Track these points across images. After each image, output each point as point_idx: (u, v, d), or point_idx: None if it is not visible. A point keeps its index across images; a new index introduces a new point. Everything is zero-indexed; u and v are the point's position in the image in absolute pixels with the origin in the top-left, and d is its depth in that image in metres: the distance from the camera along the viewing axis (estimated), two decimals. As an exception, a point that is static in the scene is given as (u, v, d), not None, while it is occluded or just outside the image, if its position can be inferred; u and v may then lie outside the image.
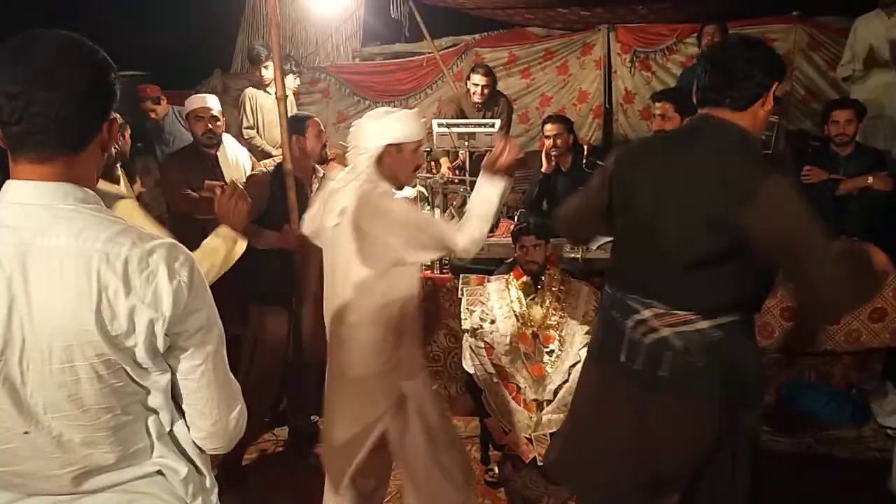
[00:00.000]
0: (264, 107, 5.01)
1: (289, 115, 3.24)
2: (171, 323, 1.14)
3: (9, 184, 1.13)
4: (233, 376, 1.30)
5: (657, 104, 3.93)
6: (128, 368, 1.15)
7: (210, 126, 3.69)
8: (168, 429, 1.24)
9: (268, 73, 4.94)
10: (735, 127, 1.77)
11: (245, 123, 4.97)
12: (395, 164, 2.27)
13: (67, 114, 1.10)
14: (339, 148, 5.59)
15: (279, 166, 3.21)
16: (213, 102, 3.75)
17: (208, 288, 1.22)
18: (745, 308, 1.79)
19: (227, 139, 3.97)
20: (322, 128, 3.28)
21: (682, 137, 1.97)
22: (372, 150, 2.23)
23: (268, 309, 3.26)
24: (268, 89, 5.03)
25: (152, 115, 5.05)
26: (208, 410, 1.25)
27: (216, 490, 1.34)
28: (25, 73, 1.07)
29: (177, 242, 1.18)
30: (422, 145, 2.35)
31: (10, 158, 1.13)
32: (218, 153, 3.79)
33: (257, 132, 4.99)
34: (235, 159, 3.90)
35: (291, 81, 5.12)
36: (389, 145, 2.23)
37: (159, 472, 1.24)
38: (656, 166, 1.82)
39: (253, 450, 3.46)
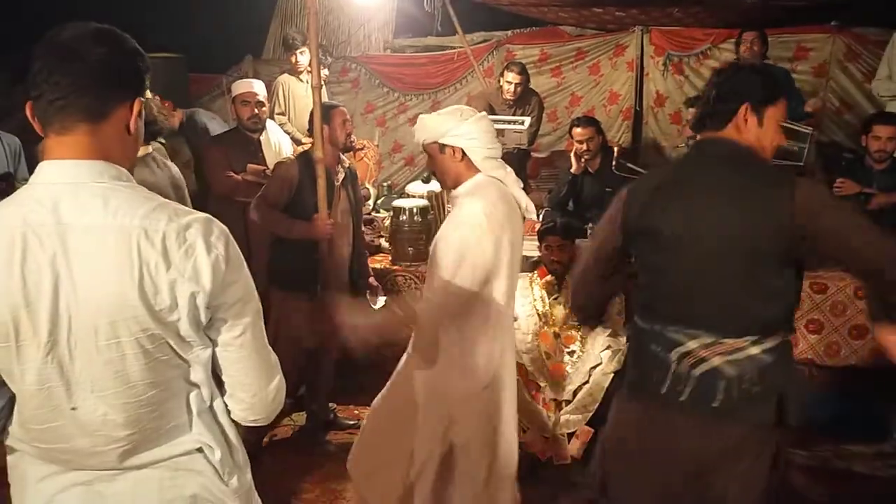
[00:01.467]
0: (296, 94, 5.04)
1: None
2: (212, 295, 1.16)
3: (42, 165, 1.16)
4: (271, 349, 1.32)
5: (690, 109, 3.90)
6: (172, 342, 1.17)
7: (255, 111, 3.75)
8: (208, 404, 1.27)
9: (302, 59, 4.96)
10: (726, 140, 1.81)
11: (277, 109, 5.00)
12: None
13: (85, 83, 1.13)
14: (368, 141, 5.64)
15: (305, 154, 3.23)
16: (259, 88, 3.83)
17: (244, 261, 1.24)
18: (788, 329, 1.79)
19: (271, 125, 4.04)
20: (348, 117, 3.29)
21: (689, 163, 1.98)
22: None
23: (290, 295, 3.29)
24: (301, 77, 5.05)
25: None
26: (249, 381, 1.27)
27: (249, 467, 1.35)
28: (49, 50, 1.13)
29: (211, 217, 1.20)
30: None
31: (44, 138, 1.17)
32: (261, 138, 3.84)
33: (288, 119, 5.03)
34: (278, 145, 3.95)
35: (322, 71, 5.13)
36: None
37: (199, 450, 1.26)
38: (675, 195, 1.81)
39: (269, 433, 3.51)
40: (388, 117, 6.64)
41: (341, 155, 3.36)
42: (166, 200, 1.19)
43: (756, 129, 1.79)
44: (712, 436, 1.76)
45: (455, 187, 2.23)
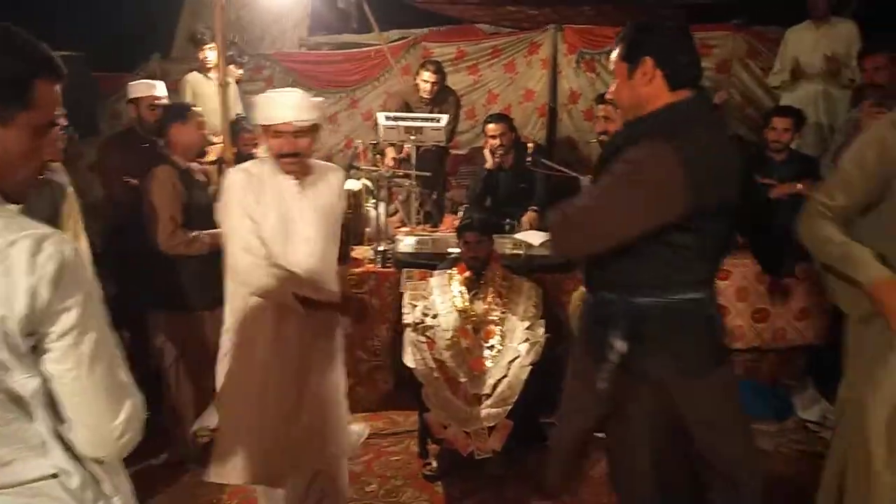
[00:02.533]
0: (204, 93, 4.88)
1: (230, 103, 3.18)
2: (29, 322, 1.07)
3: None
4: (123, 380, 1.21)
5: (600, 106, 4.01)
6: None
7: (154, 115, 3.60)
8: (56, 432, 1.18)
9: (211, 55, 4.82)
10: None
11: (185, 110, 4.83)
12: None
13: None
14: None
15: (163, 158, 3.07)
16: (160, 90, 3.67)
17: (91, 286, 1.14)
18: None
19: None
20: (204, 119, 3.17)
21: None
22: None
23: (178, 316, 3.11)
24: (209, 75, 4.90)
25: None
26: (86, 417, 1.17)
27: (120, 495, 1.27)
28: None
29: (55, 235, 1.10)
30: (282, 132, 2.23)
31: None
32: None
33: (198, 119, 4.87)
34: None
35: (233, 69, 5.00)
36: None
37: (55, 475, 1.18)
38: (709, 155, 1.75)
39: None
40: (305, 116, 6.52)
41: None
42: (13, 214, 1.11)
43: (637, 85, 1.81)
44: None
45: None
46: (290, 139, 2.22)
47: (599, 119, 3.88)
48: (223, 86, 3.07)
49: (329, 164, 2.52)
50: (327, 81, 6.50)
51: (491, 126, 4.30)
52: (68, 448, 1.19)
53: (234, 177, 2.32)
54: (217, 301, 2.50)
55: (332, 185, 2.41)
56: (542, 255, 3.74)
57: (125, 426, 1.20)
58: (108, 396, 1.18)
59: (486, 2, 5.91)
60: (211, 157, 3.88)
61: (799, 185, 3.83)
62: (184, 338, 3.14)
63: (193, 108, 3.15)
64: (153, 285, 3.10)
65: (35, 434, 1.16)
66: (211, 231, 2.89)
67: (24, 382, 1.12)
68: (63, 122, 3.22)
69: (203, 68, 4.92)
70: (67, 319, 1.10)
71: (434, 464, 3.22)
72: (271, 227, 2.26)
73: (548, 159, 4.37)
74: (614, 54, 1.83)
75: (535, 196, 4.35)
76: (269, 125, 2.23)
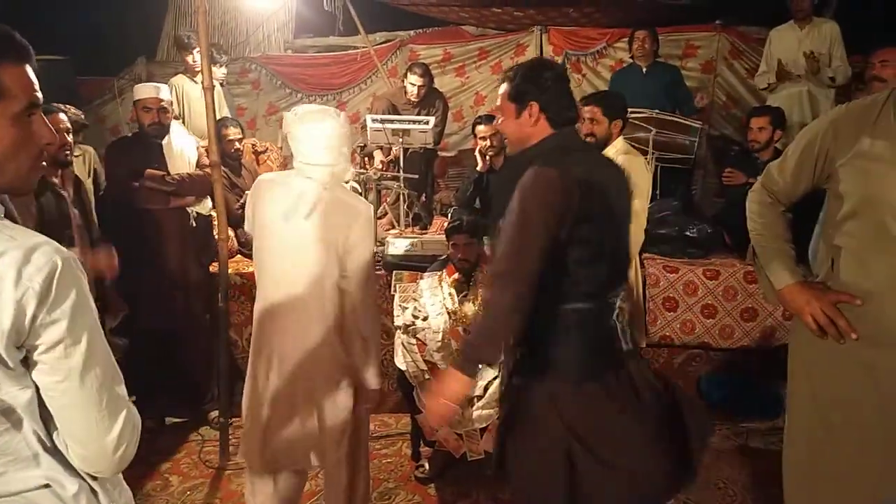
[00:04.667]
0: (191, 96, 4.86)
1: (217, 106, 3.16)
2: (18, 335, 1.04)
3: None
4: (118, 392, 1.18)
5: (586, 108, 4.01)
6: None
7: (158, 118, 3.58)
8: (49, 444, 1.15)
9: (196, 60, 4.79)
10: None
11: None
12: None
13: None
14: (270, 143, 5.51)
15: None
16: (163, 93, 3.65)
17: (82, 297, 1.10)
18: None
19: (176, 128, 3.86)
20: (64, 126, 3.07)
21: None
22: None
23: None
24: (196, 78, 4.88)
25: None
26: (77, 431, 1.14)
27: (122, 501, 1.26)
28: None
29: (47, 245, 1.07)
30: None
31: None
32: (163, 143, 3.68)
33: (183, 123, 4.84)
34: (181, 150, 3.78)
35: (217, 71, 4.98)
36: None
37: (47, 485, 1.16)
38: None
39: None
40: (291, 119, 6.51)
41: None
42: (8, 224, 1.09)
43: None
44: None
45: None
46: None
47: (585, 120, 3.89)
48: (209, 89, 3.05)
49: (360, 199, 2.50)
50: (314, 84, 6.49)
51: (481, 128, 4.31)
52: (63, 458, 1.16)
53: (256, 185, 2.40)
54: None
55: (357, 219, 2.33)
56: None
57: (119, 440, 1.17)
58: (99, 410, 1.14)
59: (470, 3, 5.92)
60: (205, 160, 3.86)
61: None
62: None
63: (56, 112, 3.05)
64: None
65: (26, 445, 1.13)
66: None
67: (17, 395, 1.09)
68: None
69: (191, 71, 4.89)
70: (55, 332, 1.07)
71: (426, 466, 3.22)
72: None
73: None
74: (502, 89, 1.98)
75: None
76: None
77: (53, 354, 1.08)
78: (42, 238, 1.08)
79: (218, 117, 3.62)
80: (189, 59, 4.87)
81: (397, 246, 3.90)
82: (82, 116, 3.99)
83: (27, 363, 1.09)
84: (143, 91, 3.64)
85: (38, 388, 1.12)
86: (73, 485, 1.17)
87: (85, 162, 4.05)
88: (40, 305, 1.05)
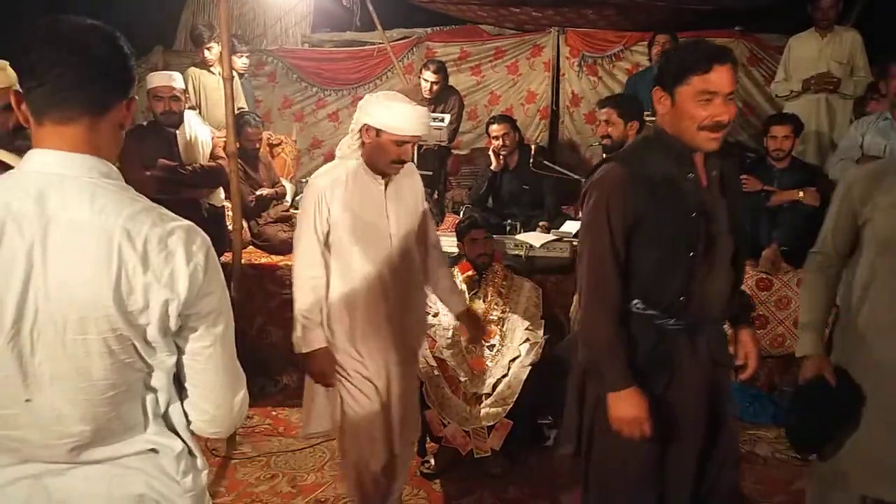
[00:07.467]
0: (207, 86, 4.88)
1: (234, 97, 3.17)
2: (186, 304, 1.16)
3: (33, 152, 1.14)
4: (238, 363, 1.31)
5: (602, 110, 4.00)
6: (138, 346, 1.17)
7: (170, 106, 3.60)
8: (163, 410, 1.26)
9: (210, 54, 4.82)
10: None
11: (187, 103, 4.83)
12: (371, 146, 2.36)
13: (88, 77, 1.14)
14: (285, 136, 5.52)
15: None
16: (176, 81, 3.66)
17: (221, 272, 1.24)
18: None
19: (190, 117, 3.87)
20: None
21: None
22: (355, 126, 2.37)
23: None
24: (212, 69, 4.90)
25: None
26: (214, 392, 1.27)
27: (206, 471, 1.34)
28: (48, 41, 1.13)
29: (195, 226, 1.20)
30: (406, 142, 2.35)
31: (35, 125, 1.15)
32: (177, 132, 3.70)
33: (199, 113, 4.86)
34: (194, 138, 3.80)
35: (238, 62, 5.00)
36: (369, 126, 2.32)
37: (153, 450, 1.25)
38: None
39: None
40: (306, 112, 6.52)
41: None
42: (153, 204, 1.19)
43: (669, 111, 1.82)
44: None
45: None
46: (408, 149, 2.37)
47: (601, 122, 3.88)
48: (228, 79, 3.06)
49: (410, 164, 2.56)
50: (329, 79, 6.49)
51: (494, 127, 4.31)
52: (170, 425, 1.27)
53: (313, 187, 2.39)
54: None
55: (414, 186, 2.56)
56: (543, 256, 3.74)
57: (242, 403, 1.32)
58: (232, 373, 1.29)
59: (488, 2, 5.91)
60: (219, 151, 3.87)
61: (800, 193, 3.84)
62: None
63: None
64: None
65: (141, 412, 1.23)
66: None
67: (165, 360, 1.21)
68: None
69: (204, 65, 4.92)
70: (212, 302, 1.21)
71: (432, 462, 3.22)
72: (355, 226, 2.34)
73: (550, 161, 4.37)
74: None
75: (544, 207, 4.36)
76: (394, 134, 2.29)
77: (206, 321, 1.21)
78: (187, 221, 1.20)
79: (237, 109, 3.64)
80: (205, 53, 4.89)
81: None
82: None
83: (180, 330, 1.20)
84: (156, 79, 3.67)
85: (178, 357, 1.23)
86: (178, 444, 1.27)
87: None
88: (205, 278, 1.18)
